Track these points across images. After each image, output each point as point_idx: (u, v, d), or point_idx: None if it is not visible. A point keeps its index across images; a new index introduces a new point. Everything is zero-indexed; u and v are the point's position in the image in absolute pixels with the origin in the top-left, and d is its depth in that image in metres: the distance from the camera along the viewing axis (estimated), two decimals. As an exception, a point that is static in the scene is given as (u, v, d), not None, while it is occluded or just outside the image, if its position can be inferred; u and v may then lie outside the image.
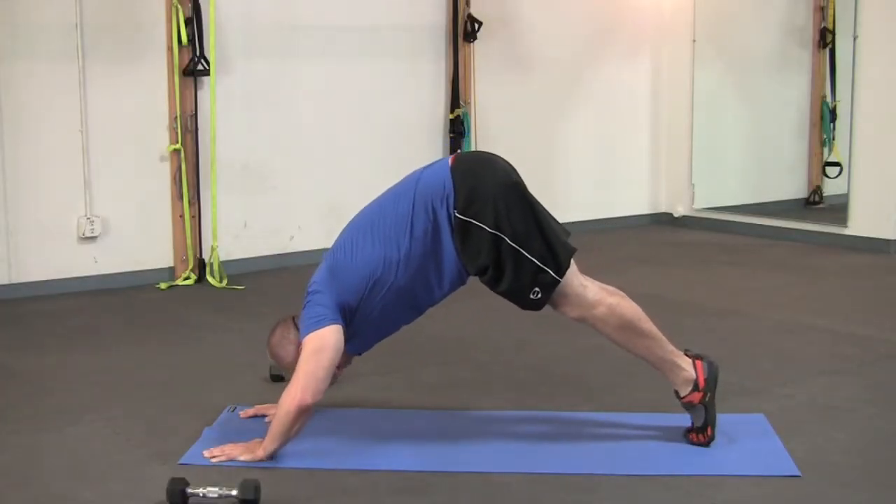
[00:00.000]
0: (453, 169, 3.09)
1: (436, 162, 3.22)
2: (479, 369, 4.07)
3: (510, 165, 3.23)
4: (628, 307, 3.10)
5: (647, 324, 3.12)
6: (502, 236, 3.00)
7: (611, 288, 3.16)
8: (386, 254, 3.06)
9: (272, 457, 3.02)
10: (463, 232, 3.02)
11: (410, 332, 4.54)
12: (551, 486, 2.89)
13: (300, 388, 2.96)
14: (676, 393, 3.14)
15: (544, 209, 3.14)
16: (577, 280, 3.09)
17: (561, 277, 3.03)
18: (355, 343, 3.20)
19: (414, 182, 3.14)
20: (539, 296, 3.04)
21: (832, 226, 6.80)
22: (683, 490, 2.86)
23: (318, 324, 3.02)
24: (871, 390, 3.75)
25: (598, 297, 3.09)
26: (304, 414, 2.99)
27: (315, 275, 3.16)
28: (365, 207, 3.23)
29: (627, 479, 2.93)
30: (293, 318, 3.23)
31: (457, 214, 3.01)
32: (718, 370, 3.14)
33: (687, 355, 3.16)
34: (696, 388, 3.10)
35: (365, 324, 3.14)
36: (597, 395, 3.67)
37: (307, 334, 3.02)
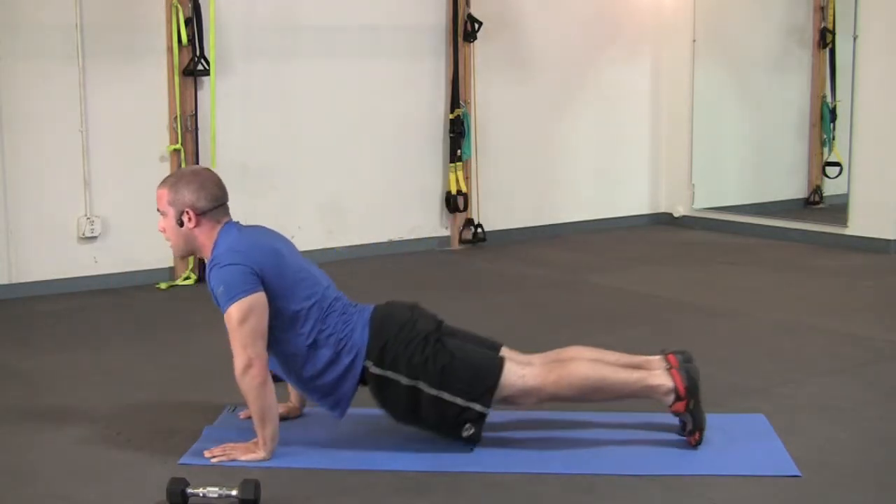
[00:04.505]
0: (371, 322, 3.11)
1: (366, 310, 3.17)
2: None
3: (425, 313, 3.21)
4: (576, 371, 3.09)
5: (603, 372, 3.10)
6: (420, 387, 3.03)
7: (552, 360, 3.15)
8: (306, 316, 3.06)
9: (272, 455, 3.03)
10: (378, 384, 3.06)
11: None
12: (551, 486, 2.89)
13: (248, 354, 2.95)
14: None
15: (460, 340, 3.14)
16: (514, 378, 3.08)
17: (489, 408, 3.05)
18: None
19: (344, 310, 3.13)
20: (472, 431, 3.05)
21: (832, 226, 6.80)
22: (683, 490, 2.86)
23: (241, 294, 2.97)
24: (871, 390, 3.75)
25: (539, 379, 3.08)
26: (266, 372, 2.97)
27: (249, 237, 3.11)
28: (316, 269, 3.23)
29: (627, 479, 2.93)
30: (221, 215, 3.13)
31: (370, 369, 3.05)
32: (698, 374, 3.12)
33: (666, 358, 3.14)
34: (677, 397, 3.09)
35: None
36: (597, 395, 3.66)
37: (230, 305, 2.97)
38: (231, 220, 3.18)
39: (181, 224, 3.10)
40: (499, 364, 3.08)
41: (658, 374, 3.11)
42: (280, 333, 3.07)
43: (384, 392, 3.07)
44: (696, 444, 3.11)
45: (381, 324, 3.11)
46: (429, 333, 3.10)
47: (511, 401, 3.11)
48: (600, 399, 3.15)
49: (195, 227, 3.10)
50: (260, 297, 2.99)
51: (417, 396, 3.04)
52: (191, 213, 3.09)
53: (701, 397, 3.10)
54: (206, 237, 3.11)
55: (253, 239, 3.12)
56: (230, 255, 3.03)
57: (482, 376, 3.06)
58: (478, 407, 3.04)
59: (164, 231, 3.17)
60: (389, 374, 3.04)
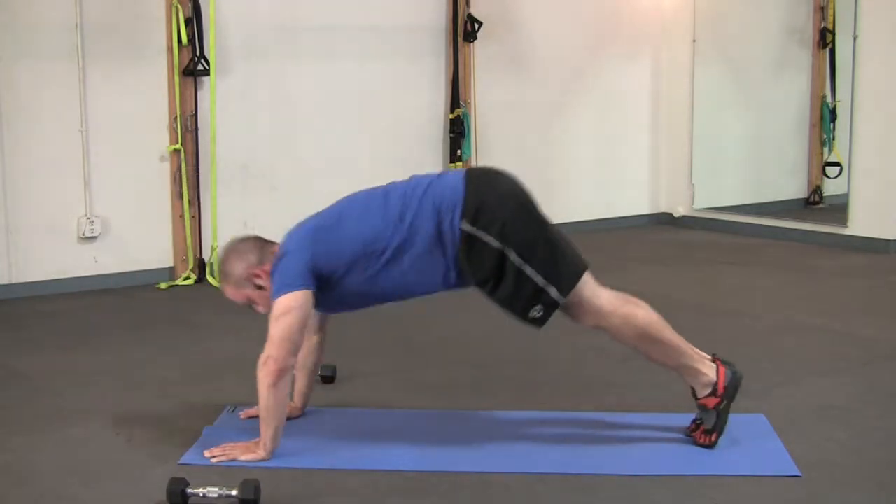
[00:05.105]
0: (466, 181, 3.07)
1: (449, 171, 3.17)
2: (480, 369, 4.07)
3: (521, 184, 3.18)
4: (643, 317, 3.10)
5: (665, 332, 3.11)
6: (507, 254, 2.99)
7: (627, 297, 3.15)
8: (379, 235, 3.03)
9: (272, 455, 3.03)
10: (468, 244, 3.01)
11: (411, 332, 4.55)
12: (551, 486, 2.89)
13: (269, 352, 2.97)
14: (694, 392, 3.15)
15: (555, 229, 3.12)
16: (589, 291, 3.08)
17: (564, 297, 3.03)
18: (323, 305, 3.18)
19: (425, 184, 3.11)
20: (540, 314, 3.04)
21: (832, 226, 6.80)
22: (683, 490, 2.86)
23: (289, 288, 2.99)
24: (871, 390, 3.75)
25: (611, 307, 3.08)
26: (280, 376, 2.98)
27: (294, 232, 3.14)
28: (366, 190, 3.21)
29: (627, 479, 2.92)
30: (272, 247, 3.17)
31: (462, 227, 3.01)
32: (741, 382, 3.13)
33: (714, 360, 3.15)
34: (713, 392, 3.10)
35: (336, 291, 3.09)
36: (597, 395, 3.67)
37: (277, 297, 3.00)
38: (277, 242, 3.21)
39: (261, 287, 3.12)
40: (586, 265, 3.08)
41: (707, 364, 3.13)
42: (391, 259, 3.03)
43: (471, 252, 3.01)
44: (708, 445, 3.10)
45: (479, 185, 3.06)
46: (525, 204, 3.08)
47: (573, 310, 3.09)
48: (649, 353, 3.14)
49: (268, 277, 3.10)
50: (306, 296, 3.00)
51: (502, 263, 2.99)
52: (256, 271, 3.11)
53: (732, 405, 3.11)
54: None
55: (297, 237, 3.12)
56: (284, 258, 3.06)
57: (568, 264, 3.04)
58: (554, 292, 3.01)
59: (268, 310, 3.14)
60: (481, 233, 2.99)
